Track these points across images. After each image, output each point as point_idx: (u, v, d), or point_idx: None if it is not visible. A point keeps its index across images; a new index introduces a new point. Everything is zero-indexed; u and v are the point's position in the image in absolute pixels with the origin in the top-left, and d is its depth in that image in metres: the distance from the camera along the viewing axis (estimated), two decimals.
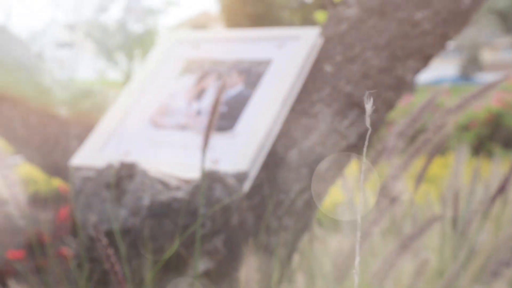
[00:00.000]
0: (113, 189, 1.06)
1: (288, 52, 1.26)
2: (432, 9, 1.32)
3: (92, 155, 1.23)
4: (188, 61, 1.36)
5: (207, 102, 1.25)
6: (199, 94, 1.28)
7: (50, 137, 1.51)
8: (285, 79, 1.21)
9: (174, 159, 1.16)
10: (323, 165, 1.21)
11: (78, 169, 1.25)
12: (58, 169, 1.51)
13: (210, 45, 1.38)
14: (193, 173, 1.10)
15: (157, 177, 1.08)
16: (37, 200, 6.33)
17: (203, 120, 1.22)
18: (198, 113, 1.24)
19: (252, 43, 1.33)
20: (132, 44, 28.77)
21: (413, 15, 1.31)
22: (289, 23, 18.73)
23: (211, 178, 1.03)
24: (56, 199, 6.09)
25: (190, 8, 26.21)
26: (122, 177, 1.06)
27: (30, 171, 6.59)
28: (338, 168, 1.24)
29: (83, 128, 1.44)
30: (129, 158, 1.19)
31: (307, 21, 19.75)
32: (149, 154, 1.19)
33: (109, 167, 1.08)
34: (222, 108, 1.22)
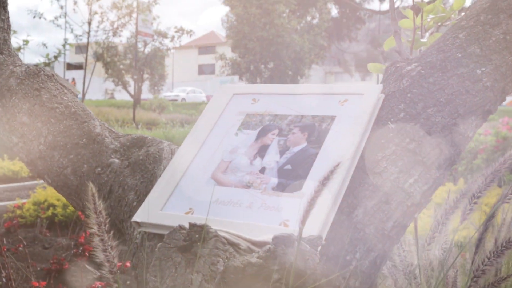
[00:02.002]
0: (186, 253, 1.05)
1: (352, 109, 1.26)
2: (492, 65, 1.32)
3: (154, 212, 1.23)
4: (247, 115, 1.36)
5: (269, 159, 1.25)
6: (261, 151, 1.28)
7: (103, 187, 1.50)
8: (351, 138, 1.20)
9: (241, 220, 1.15)
10: (388, 224, 1.21)
11: (141, 225, 1.25)
12: (111, 220, 1.50)
13: (269, 98, 1.38)
14: (263, 235, 1.09)
15: (227, 239, 1.08)
16: (55, 224, 6.30)
17: (268, 178, 1.22)
18: (262, 170, 1.24)
19: (313, 98, 1.33)
20: (141, 65, 28.88)
21: (474, 71, 1.31)
22: (299, 47, 18.84)
23: (285, 242, 1.02)
24: (72, 224, 6.05)
25: (196, 29, 26.26)
26: (194, 240, 1.05)
27: (48, 196, 6.57)
28: (402, 226, 1.23)
29: (138, 179, 1.44)
30: (194, 217, 1.18)
31: (315, 44, 19.85)
32: (214, 213, 1.18)
33: (180, 229, 1.08)
34: (286, 166, 1.22)
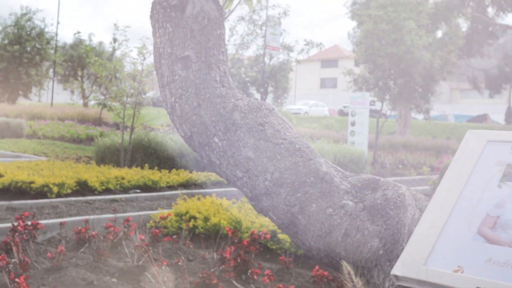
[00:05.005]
0: None
1: None
2: None
3: (417, 267, 1.17)
4: (509, 165, 1.27)
5: None
6: None
7: (335, 229, 1.46)
8: None
9: None
10: None
11: (399, 279, 1.19)
12: (337, 261, 1.46)
13: None
14: None
15: None
16: (195, 236, 6.43)
17: None
18: None
19: None
20: (266, 78, 29.31)
21: None
22: (429, 64, 18.32)
23: None
24: (218, 238, 6.15)
25: (320, 43, 26.41)
26: None
27: (189, 208, 6.73)
28: None
29: (380, 225, 1.39)
30: (465, 277, 1.11)
31: (447, 62, 19.23)
32: (488, 274, 1.10)
33: None
34: None
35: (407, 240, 1.29)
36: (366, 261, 1.36)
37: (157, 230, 5.61)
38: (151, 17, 1.87)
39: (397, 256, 1.28)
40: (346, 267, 0.96)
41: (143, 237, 5.03)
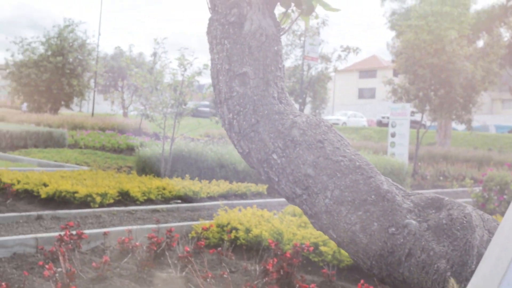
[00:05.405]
0: None
1: None
2: None
3: None
4: None
5: None
6: None
7: (399, 249, 1.44)
8: None
9: None
10: None
11: None
12: (406, 284, 1.44)
13: None
14: None
15: None
16: (236, 247, 6.42)
17: None
18: None
19: None
20: (304, 89, 29.28)
21: None
22: (471, 74, 18.05)
23: None
24: (261, 250, 6.13)
25: (359, 52, 26.36)
26: None
27: (230, 219, 6.74)
28: None
29: (447, 246, 1.36)
30: None
31: (489, 72, 18.92)
32: None
33: None
34: None
35: (476, 263, 1.26)
36: (433, 282, 1.33)
37: (203, 242, 5.62)
38: (208, 33, 1.88)
39: (466, 279, 1.25)
40: (453, 284, 0.94)
41: (188, 249, 5.04)
